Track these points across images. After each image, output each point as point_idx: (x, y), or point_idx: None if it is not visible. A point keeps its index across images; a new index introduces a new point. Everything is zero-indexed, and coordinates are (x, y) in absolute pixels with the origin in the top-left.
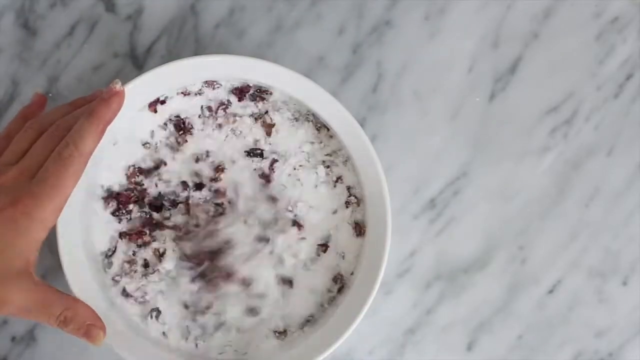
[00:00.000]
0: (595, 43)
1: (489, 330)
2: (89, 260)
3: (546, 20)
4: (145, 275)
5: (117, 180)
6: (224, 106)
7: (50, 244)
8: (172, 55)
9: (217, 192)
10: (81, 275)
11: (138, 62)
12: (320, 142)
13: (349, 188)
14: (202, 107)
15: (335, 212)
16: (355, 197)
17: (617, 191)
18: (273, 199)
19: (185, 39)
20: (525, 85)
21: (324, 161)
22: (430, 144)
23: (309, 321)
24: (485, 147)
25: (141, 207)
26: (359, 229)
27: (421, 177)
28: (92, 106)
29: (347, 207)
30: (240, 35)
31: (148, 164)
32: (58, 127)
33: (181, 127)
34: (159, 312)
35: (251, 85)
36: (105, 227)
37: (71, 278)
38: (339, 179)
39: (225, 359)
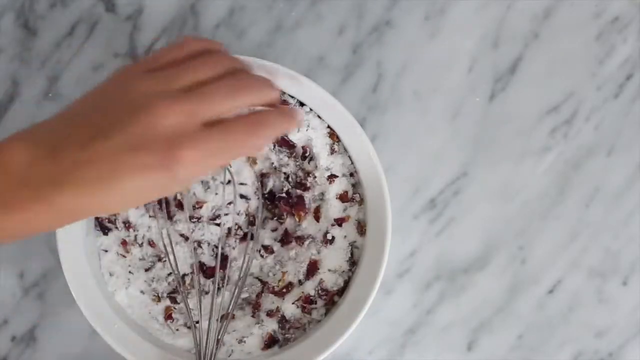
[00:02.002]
0: (595, 43)
1: (489, 330)
2: (89, 260)
3: (546, 20)
4: (147, 274)
5: None
6: None
7: (51, 244)
8: None
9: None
10: (81, 275)
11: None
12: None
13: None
14: None
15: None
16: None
17: (617, 191)
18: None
19: None
20: (525, 85)
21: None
22: (430, 144)
23: (310, 321)
24: (485, 147)
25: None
26: (360, 228)
27: (421, 177)
28: (288, 111)
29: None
30: (240, 35)
31: None
32: (246, 84)
33: None
34: (160, 311)
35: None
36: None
37: (71, 278)
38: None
39: (234, 359)
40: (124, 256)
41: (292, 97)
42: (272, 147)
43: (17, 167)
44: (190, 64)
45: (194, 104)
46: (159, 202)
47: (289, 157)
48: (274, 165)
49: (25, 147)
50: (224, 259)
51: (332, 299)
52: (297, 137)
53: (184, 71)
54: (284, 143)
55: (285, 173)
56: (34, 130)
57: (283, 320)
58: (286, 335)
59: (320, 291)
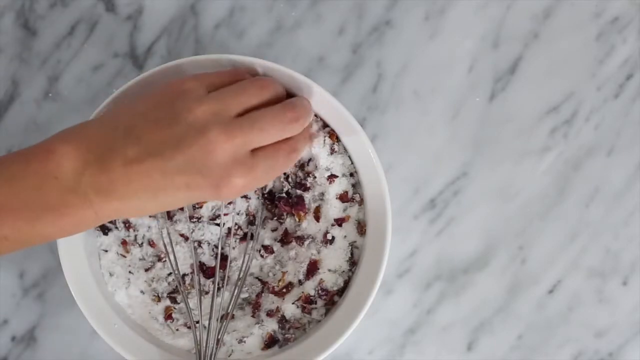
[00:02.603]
0: (595, 43)
1: (489, 330)
2: (89, 260)
3: (546, 20)
4: (147, 274)
5: None
6: None
7: (50, 243)
8: (172, 55)
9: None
10: (81, 275)
11: (138, 62)
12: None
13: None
14: None
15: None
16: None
17: (617, 191)
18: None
19: (185, 39)
20: (525, 85)
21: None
22: (430, 144)
23: (310, 321)
24: (485, 147)
25: None
26: (360, 228)
27: (421, 177)
28: (311, 136)
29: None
30: (240, 35)
31: None
32: (297, 117)
33: None
34: (160, 311)
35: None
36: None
37: (71, 278)
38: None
39: (234, 359)
40: (124, 256)
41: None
42: None
43: (67, 173)
44: (240, 85)
45: (245, 134)
46: None
47: None
48: None
49: (75, 153)
50: (224, 259)
51: (332, 299)
52: None
53: (236, 94)
54: None
55: (285, 173)
56: (83, 133)
57: (283, 320)
58: (286, 335)
59: (320, 291)
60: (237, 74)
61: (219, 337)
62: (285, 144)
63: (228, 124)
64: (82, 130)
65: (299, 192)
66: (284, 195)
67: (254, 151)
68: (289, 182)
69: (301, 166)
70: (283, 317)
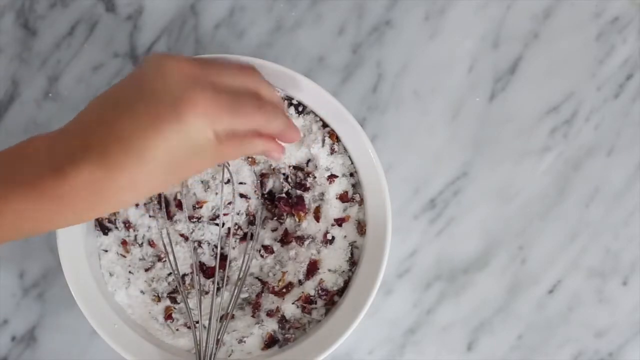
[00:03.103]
0: (595, 43)
1: (489, 330)
2: (89, 260)
3: (546, 20)
4: (147, 274)
5: None
6: None
7: (51, 243)
8: None
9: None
10: (81, 275)
11: (138, 62)
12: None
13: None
14: None
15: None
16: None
17: (617, 191)
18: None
19: (185, 39)
20: (525, 85)
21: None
22: (430, 144)
23: (310, 321)
24: (485, 147)
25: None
26: (360, 228)
27: (421, 177)
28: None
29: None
30: (240, 35)
31: None
32: (273, 110)
33: None
34: (160, 311)
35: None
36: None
37: (71, 278)
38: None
39: (234, 359)
40: (124, 256)
41: (291, 97)
42: None
43: (38, 150)
44: (232, 68)
45: (203, 66)
46: (159, 202)
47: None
48: (272, 167)
49: (47, 136)
50: (224, 259)
51: (332, 299)
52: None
53: (218, 72)
54: None
55: (284, 174)
56: (60, 127)
57: (283, 320)
58: (286, 335)
59: (320, 291)
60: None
61: (219, 337)
62: (253, 93)
63: (184, 59)
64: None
65: (299, 192)
66: (284, 195)
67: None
68: (288, 182)
69: (300, 167)
70: (283, 317)
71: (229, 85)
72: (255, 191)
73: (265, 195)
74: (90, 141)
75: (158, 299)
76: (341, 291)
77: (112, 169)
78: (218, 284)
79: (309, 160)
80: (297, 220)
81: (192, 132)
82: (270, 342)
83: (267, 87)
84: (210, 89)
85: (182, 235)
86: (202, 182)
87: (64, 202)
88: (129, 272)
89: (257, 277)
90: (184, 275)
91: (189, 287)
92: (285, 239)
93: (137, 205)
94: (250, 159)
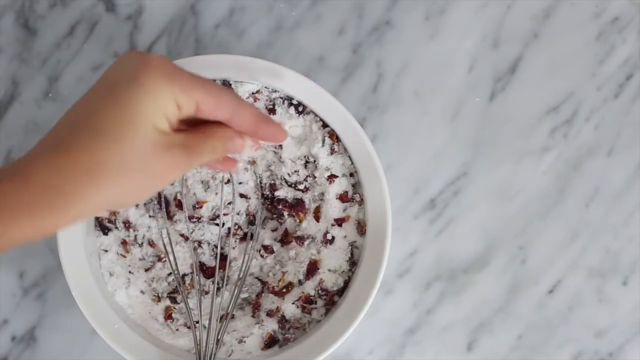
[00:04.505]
0: (595, 43)
1: (489, 330)
2: (89, 260)
3: (546, 20)
4: (147, 274)
5: None
6: None
7: (51, 244)
8: (172, 55)
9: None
10: (81, 275)
11: None
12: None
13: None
14: None
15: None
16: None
17: (617, 191)
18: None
19: (185, 39)
20: (525, 85)
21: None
22: (430, 144)
23: (310, 321)
24: (485, 147)
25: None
26: (360, 228)
27: (421, 177)
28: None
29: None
30: (240, 35)
31: None
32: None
33: None
34: (160, 311)
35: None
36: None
37: (71, 278)
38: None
39: (234, 359)
40: (124, 256)
41: (291, 97)
42: (275, 147)
43: (15, 160)
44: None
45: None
46: (159, 202)
47: (289, 159)
48: (271, 167)
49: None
50: (224, 259)
51: (332, 299)
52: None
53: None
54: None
55: (283, 176)
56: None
57: (283, 320)
58: (286, 335)
59: (320, 291)
60: None
61: (219, 337)
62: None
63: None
64: None
65: (298, 193)
66: (283, 197)
67: None
68: (287, 183)
69: (297, 170)
70: (283, 317)
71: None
72: (255, 191)
73: (265, 195)
74: (44, 136)
75: (158, 299)
76: (341, 291)
77: (66, 151)
78: (218, 284)
79: (307, 161)
80: (297, 220)
81: (149, 91)
82: (270, 342)
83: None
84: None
85: (182, 235)
86: (202, 182)
87: (22, 205)
88: (129, 272)
89: (257, 277)
90: (184, 275)
91: (189, 287)
92: (285, 239)
93: (137, 205)
94: (250, 160)
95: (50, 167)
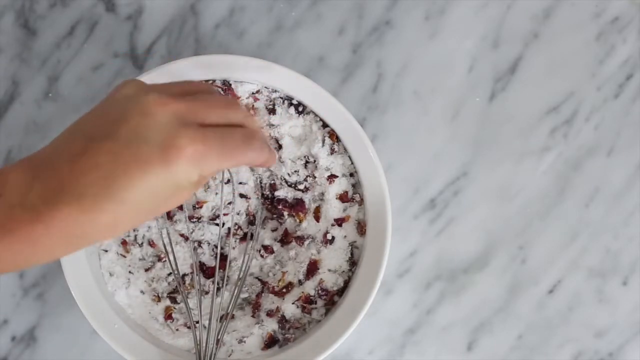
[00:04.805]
0: (595, 43)
1: (489, 330)
2: (89, 260)
3: (546, 20)
4: (147, 274)
5: None
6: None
7: None
8: (172, 55)
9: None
10: (81, 275)
11: (138, 62)
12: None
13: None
14: None
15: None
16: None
17: (617, 191)
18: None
19: (185, 39)
20: (525, 85)
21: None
22: (430, 144)
23: (310, 321)
24: (485, 147)
25: None
26: (360, 228)
27: (421, 177)
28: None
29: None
30: (240, 35)
31: None
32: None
33: None
34: (160, 311)
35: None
36: None
37: (71, 278)
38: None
39: (234, 359)
40: (124, 256)
41: (291, 97)
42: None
43: (13, 188)
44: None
45: (187, 101)
46: None
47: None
48: (271, 167)
49: (22, 169)
50: (224, 259)
51: (332, 299)
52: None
53: (174, 84)
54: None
55: (282, 177)
56: (32, 154)
57: (283, 320)
58: (286, 335)
59: (320, 291)
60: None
61: (219, 337)
62: (241, 127)
63: (167, 95)
64: (33, 153)
65: (298, 193)
66: (283, 197)
67: (205, 126)
68: (287, 183)
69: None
70: (283, 317)
71: (215, 121)
72: (255, 191)
73: (265, 195)
74: (66, 180)
75: (158, 299)
76: (341, 291)
77: (90, 210)
78: (218, 284)
79: (307, 161)
80: (297, 220)
81: (178, 177)
82: (270, 342)
83: (252, 120)
84: (198, 130)
85: (182, 235)
86: None
87: (38, 244)
88: (129, 272)
89: (257, 277)
90: (184, 275)
91: (189, 287)
92: (285, 239)
93: None
94: None
95: (74, 221)
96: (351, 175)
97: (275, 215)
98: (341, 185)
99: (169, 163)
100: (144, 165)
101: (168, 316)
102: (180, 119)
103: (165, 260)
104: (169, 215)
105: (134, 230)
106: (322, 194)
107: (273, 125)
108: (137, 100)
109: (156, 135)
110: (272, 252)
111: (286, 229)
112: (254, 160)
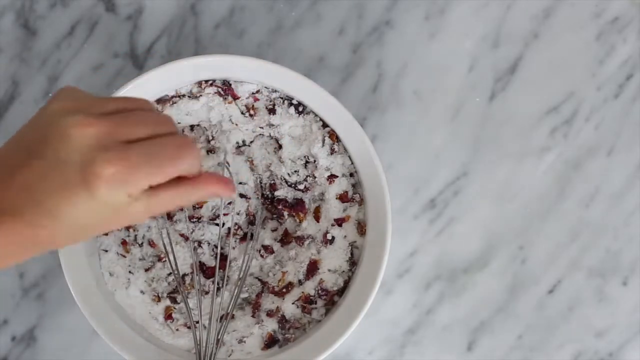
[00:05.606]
0: (595, 43)
1: (489, 330)
2: (89, 260)
3: (546, 20)
4: (147, 274)
5: None
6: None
7: None
8: (172, 55)
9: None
10: (81, 275)
11: (138, 62)
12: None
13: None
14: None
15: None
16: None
17: (617, 191)
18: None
19: (185, 39)
20: (525, 85)
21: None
22: (430, 144)
23: (310, 321)
24: (485, 147)
25: None
26: (360, 228)
27: (421, 177)
28: (210, 177)
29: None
30: (240, 35)
31: None
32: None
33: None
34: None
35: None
36: None
37: (71, 278)
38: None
39: (234, 359)
40: (124, 256)
41: (291, 97)
42: (275, 147)
43: None
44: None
45: (111, 118)
46: None
47: (289, 159)
48: (271, 167)
49: None
50: (224, 259)
51: (332, 299)
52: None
53: (107, 101)
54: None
55: (282, 176)
56: None
57: (283, 320)
58: (286, 335)
59: (320, 291)
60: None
61: (219, 337)
62: (173, 136)
63: (93, 114)
64: None
65: (298, 193)
66: (283, 197)
67: (132, 142)
68: (287, 183)
69: (294, 170)
70: (283, 317)
71: (144, 136)
72: (255, 191)
73: (265, 195)
74: (7, 193)
75: (158, 299)
76: (341, 291)
77: (31, 224)
78: (218, 284)
79: (307, 161)
80: (297, 220)
81: (105, 199)
82: (270, 342)
83: (184, 136)
84: (119, 150)
85: (182, 235)
86: None
87: None
88: (129, 272)
89: (257, 277)
90: (184, 275)
91: (189, 287)
92: (285, 239)
93: None
94: (249, 160)
95: (19, 233)
96: (351, 175)
97: (275, 215)
98: (341, 185)
99: (89, 187)
100: (69, 188)
101: (168, 316)
102: (101, 140)
103: (165, 260)
104: (169, 215)
105: (134, 230)
106: (322, 194)
107: (273, 125)
108: (59, 121)
109: (76, 159)
110: (272, 252)
111: (286, 229)
112: (188, 170)
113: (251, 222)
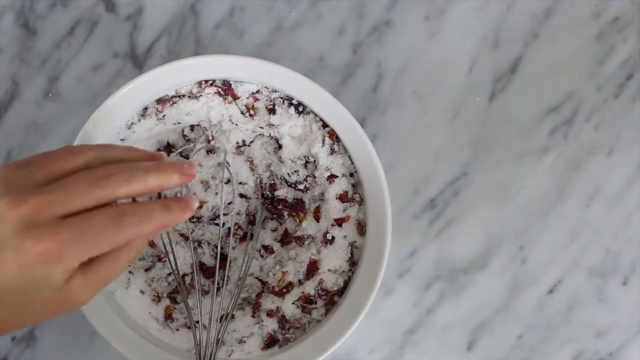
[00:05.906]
0: (595, 43)
1: (489, 330)
2: None
3: (546, 20)
4: (147, 274)
5: None
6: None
7: None
8: (172, 55)
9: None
10: None
11: (138, 62)
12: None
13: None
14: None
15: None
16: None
17: (617, 191)
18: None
19: (185, 39)
20: (525, 85)
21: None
22: (430, 144)
23: (310, 321)
24: (485, 147)
25: None
26: (360, 228)
27: (421, 177)
28: (169, 204)
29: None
30: (240, 35)
31: None
32: (109, 173)
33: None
34: (160, 311)
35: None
36: None
37: None
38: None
39: (234, 359)
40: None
41: (291, 97)
42: (275, 147)
43: None
44: (51, 154)
45: (45, 196)
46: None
47: (289, 159)
48: (271, 167)
49: None
50: (224, 259)
51: (332, 299)
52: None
53: (40, 163)
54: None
55: (282, 176)
56: None
57: (283, 320)
58: (286, 335)
59: (320, 291)
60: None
61: (219, 337)
62: (115, 206)
63: (21, 194)
64: None
65: (298, 193)
66: (283, 197)
67: (67, 216)
68: (287, 183)
69: (295, 170)
70: (283, 317)
71: (80, 207)
72: (255, 191)
73: (265, 194)
74: None
75: (158, 299)
76: (341, 291)
77: None
78: (218, 284)
79: (307, 161)
80: (297, 220)
81: (44, 278)
82: (270, 342)
83: (138, 178)
84: (49, 227)
85: (182, 235)
86: (202, 182)
87: None
88: (129, 272)
89: (257, 277)
90: (184, 275)
91: (189, 287)
92: (285, 239)
93: None
94: (249, 160)
95: None
96: (351, 175)
97: (275, 215)
98: (341, 185)
99: (23, 266)
100: (4, 270)
101: (168, 316)
102: (30, 219)
103: (165, 260)
104: None
105: None
106: (322, 194)
107: (273, 125)
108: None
109: (8, 242)
110: (272, 252)
111: (286, 229)
112: (134, 235)
113: (251, 222)
